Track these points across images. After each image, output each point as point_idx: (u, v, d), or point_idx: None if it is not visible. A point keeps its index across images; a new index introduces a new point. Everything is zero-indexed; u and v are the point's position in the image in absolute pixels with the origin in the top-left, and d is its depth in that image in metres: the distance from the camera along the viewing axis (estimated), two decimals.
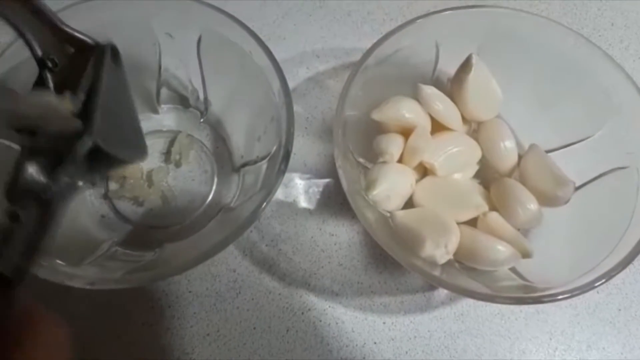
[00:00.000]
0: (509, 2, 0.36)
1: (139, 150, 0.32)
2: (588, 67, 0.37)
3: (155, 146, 0.40)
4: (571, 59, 0.38)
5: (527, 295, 0.30)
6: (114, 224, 0.38)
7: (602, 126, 0.37)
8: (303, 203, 0.40)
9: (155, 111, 0.41)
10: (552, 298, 0.28)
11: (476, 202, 0.36)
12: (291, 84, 0.44)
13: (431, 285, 0.38)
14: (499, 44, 0.38)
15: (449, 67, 0.39)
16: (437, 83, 0.40)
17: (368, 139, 0.38)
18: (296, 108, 0.43)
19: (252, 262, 0.38)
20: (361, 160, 0.38)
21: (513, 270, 0.34)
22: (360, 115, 0.37)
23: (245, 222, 0.30)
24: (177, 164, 0.40)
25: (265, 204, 0.31)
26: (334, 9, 0.48)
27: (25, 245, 0.24)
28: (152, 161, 0.40)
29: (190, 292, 0.37)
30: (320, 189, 0.41)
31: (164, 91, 0.41)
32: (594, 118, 0.37)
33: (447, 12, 0.36)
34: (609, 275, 0.28)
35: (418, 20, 0.35)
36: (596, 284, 0.28)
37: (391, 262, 0.38)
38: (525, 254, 0.35)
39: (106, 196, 0.39)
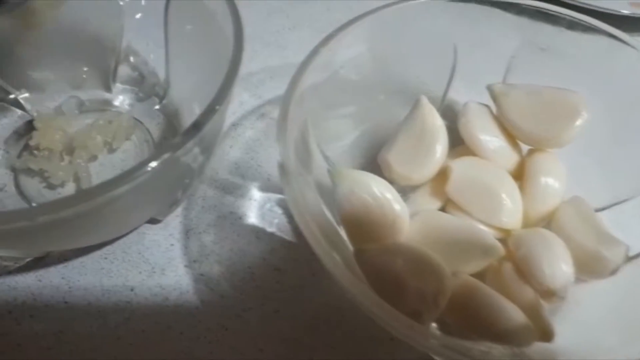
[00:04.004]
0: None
1: None
2: None
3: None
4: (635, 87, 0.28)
5: None
6: (7, 201, 0.30)
7: None
8: (251, 220, 0.30)
9: (109, 89, 0.34)
10: None
11: (485, 244, 0.25)
12: (278, 92, 0.37)
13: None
14: (537, 58, 0.30)
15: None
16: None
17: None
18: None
19: (159, 284, 0.28)
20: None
21: None
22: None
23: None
24: (110, 150, 0.32)
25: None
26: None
27: None
28: None
29: (66, 302, 0.27)
30: (279, 210, 0.31)
31: (123, 69, 0.35)
32: None
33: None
34: None
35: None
36: None
37: (348, 320, 0.27)
38: (546, 335, 0.23)
39: (13, 167, 0.31)
